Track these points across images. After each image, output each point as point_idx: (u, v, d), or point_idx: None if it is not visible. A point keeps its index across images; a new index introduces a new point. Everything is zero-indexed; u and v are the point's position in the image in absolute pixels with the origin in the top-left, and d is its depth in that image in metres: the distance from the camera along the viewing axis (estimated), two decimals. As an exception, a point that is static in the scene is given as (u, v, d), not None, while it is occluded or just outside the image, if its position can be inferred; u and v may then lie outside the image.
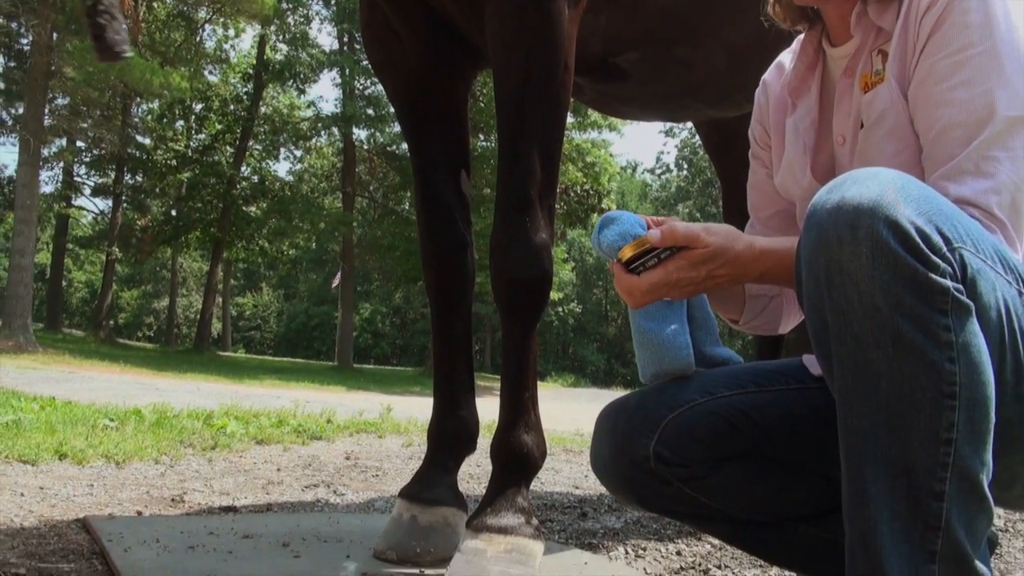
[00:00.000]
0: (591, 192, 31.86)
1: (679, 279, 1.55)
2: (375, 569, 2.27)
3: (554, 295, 37.86)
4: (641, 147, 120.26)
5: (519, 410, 2.34)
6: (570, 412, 10.82)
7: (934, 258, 1.23)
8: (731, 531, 1.88)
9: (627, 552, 2.86)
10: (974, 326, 1.26)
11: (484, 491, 2.34)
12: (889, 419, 1.26)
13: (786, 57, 1.93)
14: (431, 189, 2.59)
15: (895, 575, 1.26)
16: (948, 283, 1.23)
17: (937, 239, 1.25)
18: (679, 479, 1.74)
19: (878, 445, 1.27)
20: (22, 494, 3.21)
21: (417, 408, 7.79)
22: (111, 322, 44.63)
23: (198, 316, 42.68)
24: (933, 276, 1.23)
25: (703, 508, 1.79)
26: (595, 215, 32.83)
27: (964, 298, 1.25)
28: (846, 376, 1.30)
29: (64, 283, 50.86)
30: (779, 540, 1.86)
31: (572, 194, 31.54)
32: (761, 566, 2.73)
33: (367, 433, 6.37)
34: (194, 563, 2.22)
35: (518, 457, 2.31)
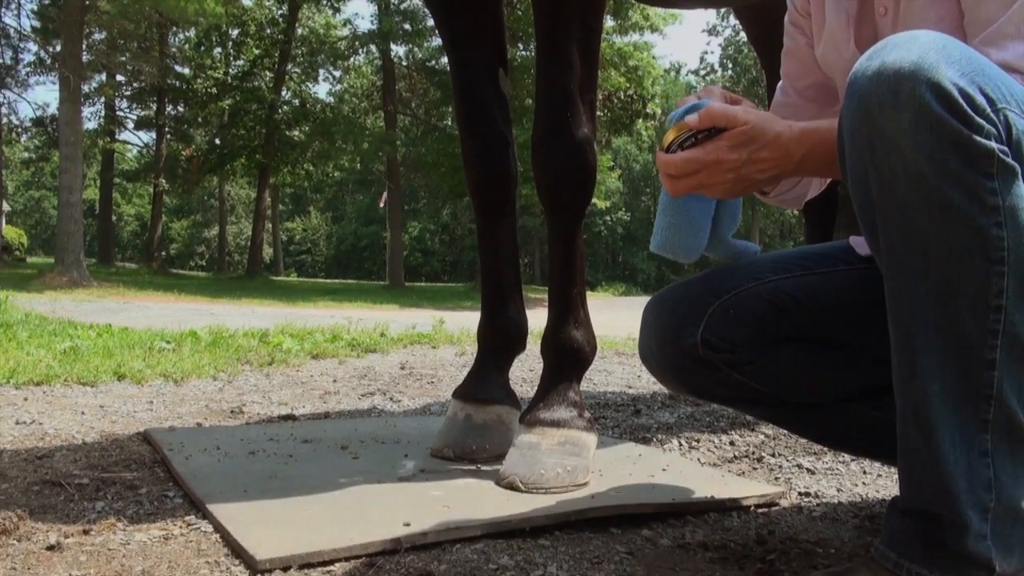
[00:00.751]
0: (635, 97, 31.33)
1: (718, 160, 1.51)
2: (433, 466, 2.31)
3: (602, 204, 37.61)
4: (684, 48, 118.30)
5: (568, 307, 2.35)
6: (622, 319, 10.80)
7: (978, 119, 1.19)
8: (782, 414, 1.88)
9: (681, 444, 2.89)
10: (1021, 189, 1.22)
11: (536, 392, 2.36)
12: (938, 288, 1.24)
13: (827, -77, 1.86)
14: (470, 89, 2.54)
15: (947, 445, 1.25)
16: (993, 145, 1.20)
17: (981, 100, 1.21)
18: (728, 364, 1.74)
19: (927, 315, 1.25)
20: (83, 412, 3.28)
21: (469, 321, 7.81)
22: (163, 253, 45.34)
23: (249, 243, 43.14)
24: (977, 138, 1.19)
25: (753, 392, 1.79)
26: (640, 120, 32.34)
27: (1010, 160, 1.21)
28: (892, 247, 1.28)
29: (114, 217, 51.57)
30: (830, 421, 1.86)
31: (616, 100, 31.03)
32: (815, 453, 2.74)
33: (421, 345, 6.44)
34: (256, 466, 2.28)
35: (568, 352, 2.33)
